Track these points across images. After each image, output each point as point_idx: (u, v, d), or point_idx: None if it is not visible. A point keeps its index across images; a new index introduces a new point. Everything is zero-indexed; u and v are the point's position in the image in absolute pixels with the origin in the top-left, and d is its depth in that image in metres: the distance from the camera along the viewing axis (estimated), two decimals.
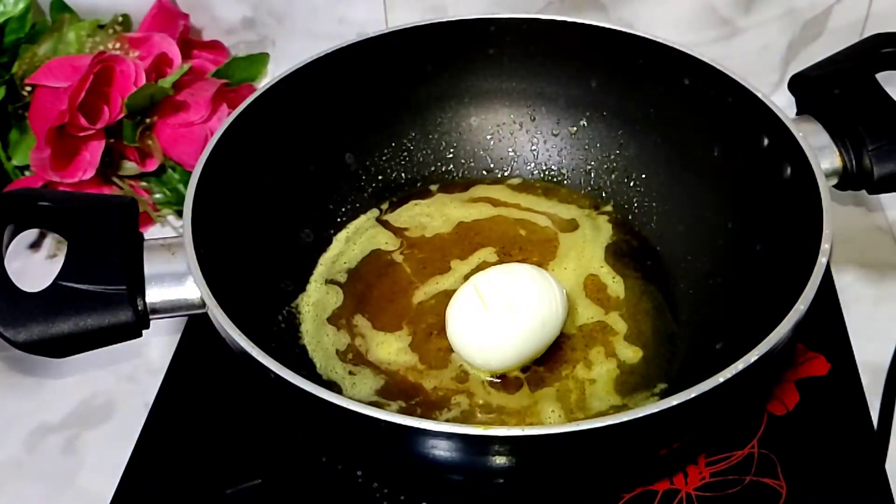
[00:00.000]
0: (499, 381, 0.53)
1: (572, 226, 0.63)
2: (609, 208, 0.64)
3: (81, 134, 0.66)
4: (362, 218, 0.64)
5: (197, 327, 0.60)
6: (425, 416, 0.51)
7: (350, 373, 0.54)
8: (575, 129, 0.66)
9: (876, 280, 0.63)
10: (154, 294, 0.47)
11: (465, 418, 0.51)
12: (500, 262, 0.60)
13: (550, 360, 0.54)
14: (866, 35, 0.60)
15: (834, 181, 0.54)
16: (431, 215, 0.64)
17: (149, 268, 0.47)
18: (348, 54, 0.61)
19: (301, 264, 0.60)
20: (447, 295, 0.55)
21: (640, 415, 0.39)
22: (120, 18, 0.73)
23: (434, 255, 0.61)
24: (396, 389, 0.53)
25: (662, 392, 0.52)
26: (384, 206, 0.65)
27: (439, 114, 0.67)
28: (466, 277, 0.57)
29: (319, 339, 0.56)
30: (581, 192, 0.65)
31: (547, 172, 0.67)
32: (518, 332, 0.51)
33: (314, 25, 0.77)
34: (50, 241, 0.69)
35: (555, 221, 0.63)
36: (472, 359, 0.53)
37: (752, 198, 0.55)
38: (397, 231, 0.63)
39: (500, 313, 0.51)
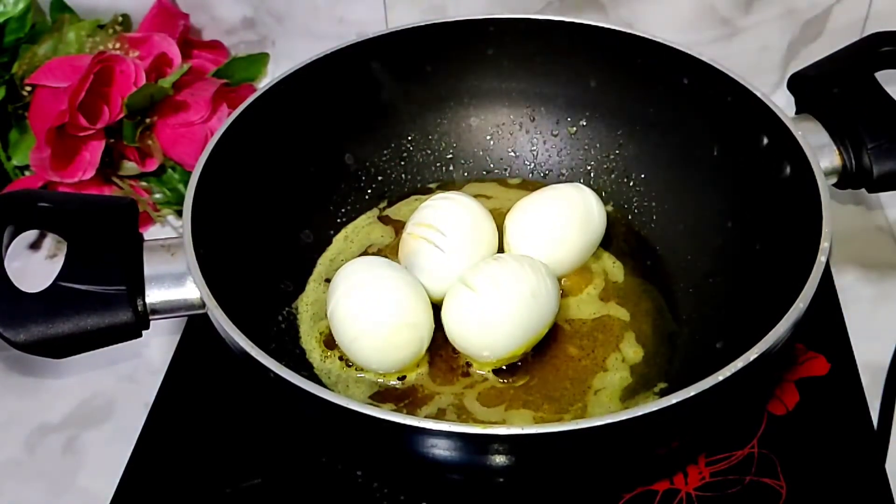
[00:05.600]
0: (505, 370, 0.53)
1: None
2: (609, 208, 0.64)
3: (81, 134, 0.66)
4: (362, 218, 0.64)
5: (197, 327, 0.60)
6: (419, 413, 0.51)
7: (344, 369, 0.54)
8: (574, 129, 0.66)
9: (876, 280, 0.63)
10: (154, 294, 0.47)
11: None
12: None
13: (559, 355, 0.54)
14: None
15: (833, 180, 0.54)
16: None
17: (148, 268, 0.47)
18: (348, 54, 0.61)
19: (301, 265, 0.60)
20: None
21: (640, 413, 0.39)
22: (120, 18, 0.73)
23: None
24: (389, 387, 0.53)
25: (662, 391, 0.52)
26: (383, 206, 0.65)
27: (439, 114, 0.66)
28: None
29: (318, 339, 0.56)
30: None
31: (547, 172, 0.67)
32: (512, 307, 0.50)
33: (314, 25, 0.77)
34: (50, 241, 0.69)
35: None
36: (476, 351, 0.52)
37: (752, 197, 0.55)
38: (396, 224, 0.63)
39: (487, 293, 0.50)
